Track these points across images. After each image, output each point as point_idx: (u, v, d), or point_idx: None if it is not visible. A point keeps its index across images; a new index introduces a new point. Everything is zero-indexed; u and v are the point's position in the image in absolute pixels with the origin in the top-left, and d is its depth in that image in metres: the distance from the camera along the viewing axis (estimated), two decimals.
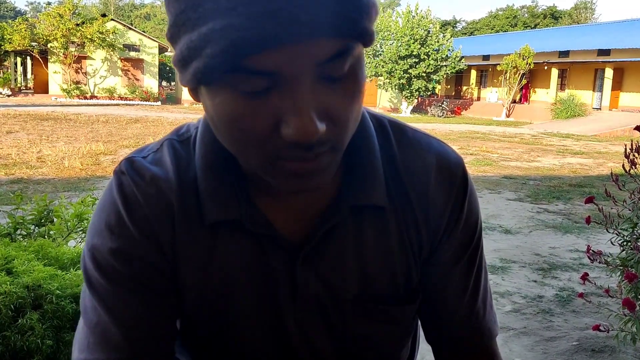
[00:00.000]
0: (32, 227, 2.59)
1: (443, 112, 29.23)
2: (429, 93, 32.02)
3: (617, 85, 27.07)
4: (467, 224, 0.74)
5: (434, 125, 21.47)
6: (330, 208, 0.69)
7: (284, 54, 0.50)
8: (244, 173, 0.68)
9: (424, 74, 29.56)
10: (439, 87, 35.96)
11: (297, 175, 0.58)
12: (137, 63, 33.22)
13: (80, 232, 2.54)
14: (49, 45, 29.48)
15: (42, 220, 2.66)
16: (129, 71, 32.88)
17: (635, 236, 3.20)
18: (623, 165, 3.18)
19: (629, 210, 3.27)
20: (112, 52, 31.38)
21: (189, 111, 25.95)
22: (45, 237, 2.48)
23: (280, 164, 0.57)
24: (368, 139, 0.70)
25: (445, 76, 31.22)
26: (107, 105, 26.73)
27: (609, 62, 26.48)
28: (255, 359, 0.72)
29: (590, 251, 3.27)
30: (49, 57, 30.22)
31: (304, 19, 0.48)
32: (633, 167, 3.19)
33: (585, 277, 3.41)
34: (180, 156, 0.70)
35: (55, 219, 2.61)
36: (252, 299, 0.70)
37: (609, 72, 26.65)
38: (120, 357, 0.66)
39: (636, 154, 3.19)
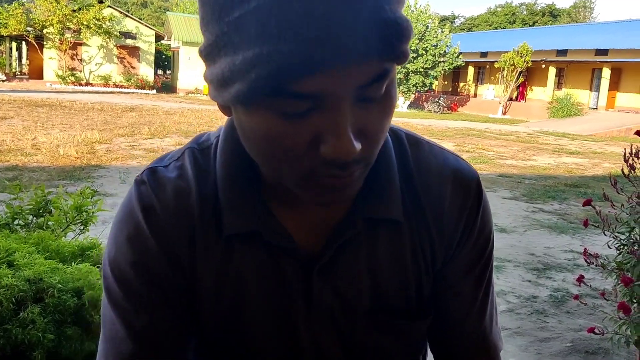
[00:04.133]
0: (30, 217, 2.57)
1: (439, 108, 29.26)
2: (426, 89, 32.02)
3: (614, 86, 27.16)
4: (479, 238, 0.74)
5: (430, 122, 21.48)
6: (346, 221, 0.69)
7: (329, 78, 0.50)
8: (263, 183, 0.68)
9: (422, 70, 29.56)
10: (436, 82, 35.97)
11: (330, 189, 0.59)
12: (133, 51, 33.04)
13: (80, 224, 2.52)
14: (44, 31, 29.26)
15: (40, 211, 2.64)
16: (124, 59, 32.71)
17: (632, 240, 3.22)
18: (622, 169, 3.19)
19: (627, 214, 3.28)
20: (108, 40, 31.18)
21: (184, 100, 25.87)
22: (44, 228, 2.47)
23: (314, 179, 0.58)
24: (386, 153, 0.71)
25: (442, 72, 31.23)
26: (102, 92, 26.57)
27: (607, 62, 26.55)
28: None
29: (587, 254, 3.29)
30: (45, 42, 29.99)
31: (350, 45, 0.48)
32: (632, 171, 3.20)
33: (580, 279, 3.43)
34: (200, 165, 0.70)
35: (53, 210, 2.59)
36: (267, 310, 0.70)
37: (606, 72, 26.72)
38: None
39: (635, 158, 3.20)
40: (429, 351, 0.83)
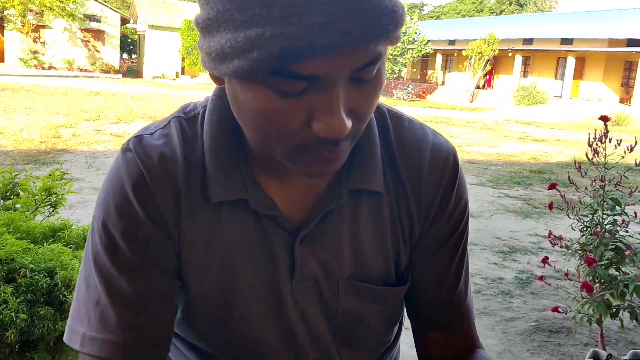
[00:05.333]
0: None
1: (408, 96, 29.45)
2: (395, 76, 32.17)
3: (579, 74, 27.72)
4: (455, 210, 0.78)
5: (399, 109, 21.59)
6: (330, 192, 0.71)
7: (328, 61, 0.53)
8: (250, 154, 0.69)
9: (391, 57, 29.67)
10: (404, 70, 36.16)
11: (320, 162, 0.61)
12: (98, 34, 32.35)
13: (49, 207, 2.49)
14: (5, 13, 28.38)
15: (8, 194, 2.60)
16: (89, 42, 32.02)
17: (595, 222, 3.32)
18: (586, 153, 3.28)
19: (590, 197, 3.38)
20: (72, 22, 30.43)
21: (151, 85, 25.46)
22: (11, 210, 2.43)
23: (305, 153, 0.60)
24: (369, 127, 0.73)
25: (411, 59, 31.39)
26: (66, 76, 25.96)
27: (572, 51, 27.06)
28: (255, 336, 0.74)
29: (552, 236, 3.38)
30: (6, 24, 29.12)
31: (351, 30, 0.51)
32: (596, 155, 3.29)
33: (545, 260, 3.52)
34: (187, 134, 0.71)
35: (21, 193, 2.55)
36: (253, 275, 0.72)
37: (571, 61, 27.24)
38: (117, 340, 0.67)
39: (599, 143, 3.29)
40: (406, 318, 0.86)
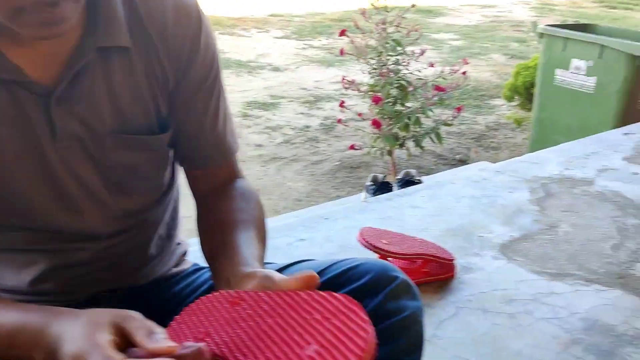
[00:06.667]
0: None
1: None
2: None
3: None
4: (205, 59, 0.83)
5: None
6: (76, 52, 0.73)
7: None
8: None
9: None
10: None
11: (43, 24, 0.61)
12: None
13: None
14: None
15: None
16: None
17: (381, 64, 3.60)
18: None
19: (375, 40, 3.62)
20: None
21: None
22: None
23: (24, 15, 0.60)
24: None
25: None
26: None
27: None
28: (29, 200, 0.76)
29: (345, 81, 3.63)
30: None
31: None
32: None
33: (342, 105, 3.80)
34: None
35: None
36: (14, 143, 0.73)
37: None
38: None
39: None
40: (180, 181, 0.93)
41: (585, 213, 1.88)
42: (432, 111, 3.59)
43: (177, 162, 0.91)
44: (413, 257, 1.41)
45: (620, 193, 2.04)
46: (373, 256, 1.43)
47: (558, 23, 4.21)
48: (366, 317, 0.47)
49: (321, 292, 0.52)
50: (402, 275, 0.90)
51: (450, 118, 3.58)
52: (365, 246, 1.35)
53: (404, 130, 3.62)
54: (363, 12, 3.53)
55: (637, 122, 3.14)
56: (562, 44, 3.63)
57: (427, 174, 3.71)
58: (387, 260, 1.42)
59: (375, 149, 3.58)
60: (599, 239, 1.72)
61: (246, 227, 0.83)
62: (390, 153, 3.66)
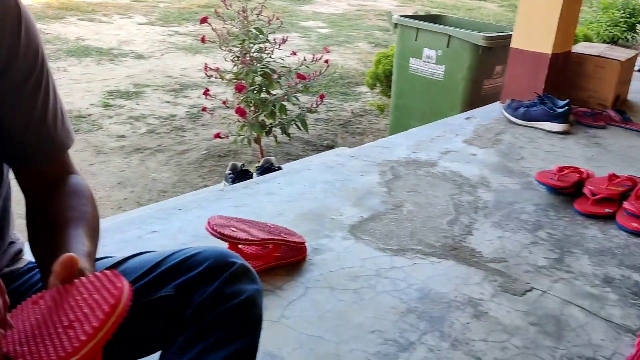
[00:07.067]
0: None
1: None
2: None
3: None
4: (27, 54, 0.81)
5: None
6: None
7: None
8: None
9: None
10: None
11: None
12: None
13: None
14: None
15: None
16: None
17: (244, 52, 3.61)
18: None
19: (237, 28, 3.62)
20: None
21: None
22: None
23: None
24: None
25: None
26: None
27: None
28: None
29: (207, 69, 3.60)
30: None
31: None
32: None
33: (206, 93, 3.76)
34: None
35: None
36: None
37: None
38: None
39: None
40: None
41: (427, 192, 2.04)
42: (297, 99, 3.67)
43: (4, 160, 0.88)
44: (263, 242, 1.45)
45: (459, 173, 2.23)
46: (224, 245, 1.46)
47: (411, 14, 4.45)
48: (121, 278, 0.57)
49: (96, 274, 0.60)
50: (240, 261, 0.94)
51: (314, 105, 3.68)
52: (214, 235, 1.37)
53: (270, 117, 3.66)
54: (224, 0, 3.51)
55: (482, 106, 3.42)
56: (415, 34, 3.86)
57: (296, 160, 3.80)
58: (238, 247, 1.46)
59: (241, 137, 3.60)
60: (437, 215, 1.87)
61: (75, 224, 0.82)
62: (257, 141, 3.70)
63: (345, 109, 5.29)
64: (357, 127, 4.90)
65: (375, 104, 5.23)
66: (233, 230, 1.39)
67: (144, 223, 1.68)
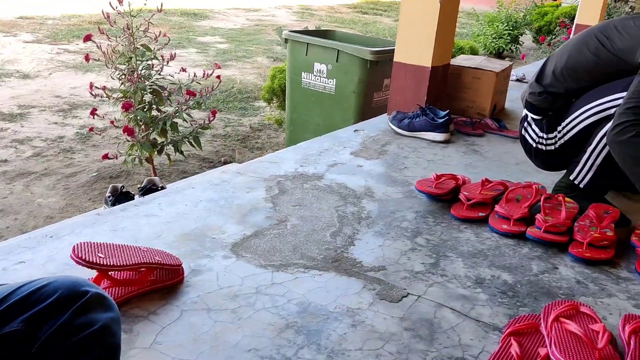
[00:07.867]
0: None
1: None
2: None
3: None
4: None
5: None
6: None
7: None
8: None
9: None
10: None
11: None
12: None
13: None
14: None
15: None
16: None
17: (131, 69, 3.52)
18: (110, 2, 3.35)
19: (123, 45, 3.53)
20: None
21: None
22: None
23: None
24: None
25: None
26: None
27: None
28: None
29: (93, 87, 3.47)
30: None
31: None
32: (120, 3, 3.39)
33: (93, 112, 3.63)
34: None
35: None
36: None
37: None
38: None
39: None
40: None
41: (313, 205, 2.06)
42: (190, 115, 3.61)
43: None
44: (135, 267, 1.41)
45: (345, 184, 2.27)
46: (93, 273, 1.40)
47: (301, 29, 4.52)
48: None
49: None
50: (94, 289, 0.90)
51: (207, 122, 3.64)
52: (79, 263, 1.32)
53: (161, 136, 3.58)
54: (107, 17, 3.40)
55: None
56: (305, 49, 3.92)
57: None
58: (108, 274, 1.40)
59: (132, 157, 3.49)
60: (321, 228, 1.90)
61: None
62: (149, 160, 3.60)
63: (243, 124, 5.27)
64: (256, 142, 4.89)
65: (273, 118, 5.25)
66: (100, 257, 1.34)
67: (10, 253, 1.58)
